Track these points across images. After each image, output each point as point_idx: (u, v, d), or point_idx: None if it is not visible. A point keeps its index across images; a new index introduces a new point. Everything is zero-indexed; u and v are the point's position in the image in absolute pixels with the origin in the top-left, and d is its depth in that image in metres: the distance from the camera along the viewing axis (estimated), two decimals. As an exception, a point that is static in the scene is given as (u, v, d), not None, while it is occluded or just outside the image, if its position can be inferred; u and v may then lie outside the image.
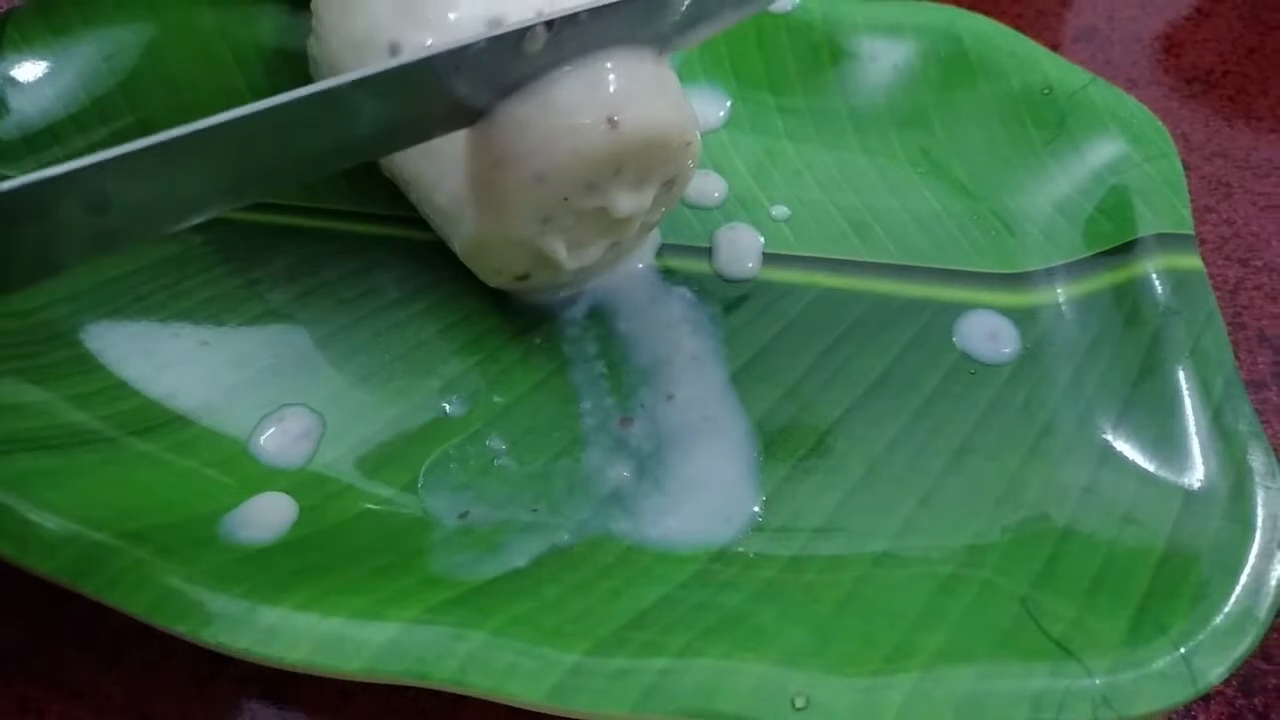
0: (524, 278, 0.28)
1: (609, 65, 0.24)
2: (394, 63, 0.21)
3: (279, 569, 0.23)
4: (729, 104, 0.34)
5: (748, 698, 0.21)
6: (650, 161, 0.26)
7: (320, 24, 0.28)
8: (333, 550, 0.24)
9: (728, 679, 0.22)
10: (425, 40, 0.25)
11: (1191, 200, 0.31)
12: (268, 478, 0.25)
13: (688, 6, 0.25)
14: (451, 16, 0.25)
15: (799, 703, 0.21)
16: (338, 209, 0.32)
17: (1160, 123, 0.32)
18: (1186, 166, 0.32)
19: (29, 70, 0.30)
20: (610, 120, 0.24)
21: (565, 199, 0.25)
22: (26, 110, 0.30)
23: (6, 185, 0.18)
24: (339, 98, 0.21)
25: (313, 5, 0.28)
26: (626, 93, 0.24)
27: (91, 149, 0.31)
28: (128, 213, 0.20)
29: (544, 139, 0.24)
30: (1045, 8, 0.42)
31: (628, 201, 0.26)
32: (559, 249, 0.27)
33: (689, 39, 0.27)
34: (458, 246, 0.28)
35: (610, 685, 0.21)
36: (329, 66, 0.27)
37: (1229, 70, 0.40)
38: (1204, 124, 0.37)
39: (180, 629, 0.22)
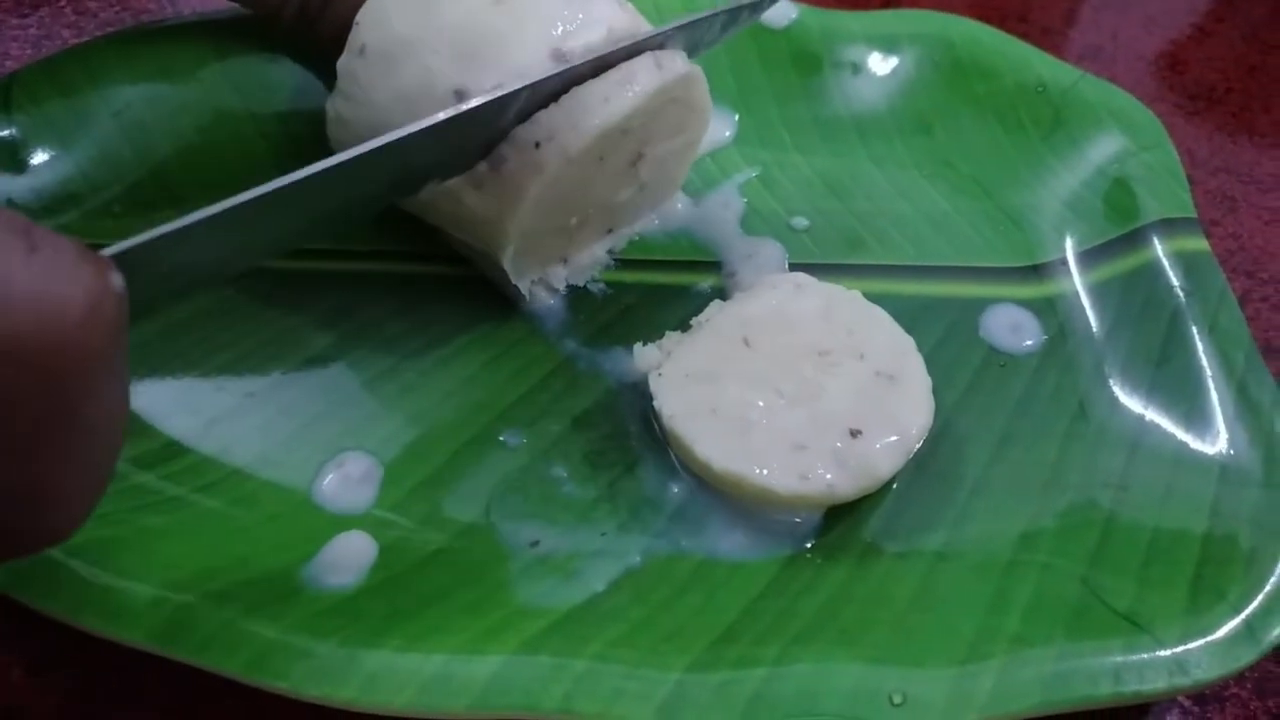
0: (565, 261, 0.31)
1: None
2: (464, 106, 0.23)
3: (370, 614, 0.23)
4: (735, 118, 0.35)
5: (848, 698, 0.22)
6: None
7: (354, 83, 0.27)
8: (417, 590, 0.24)
9: (826, 682, 0.22)
10: (491, 82, 0.25)
11: (1197, 214, 0.32)
12: (336, 524, 0.25)
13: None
14: (515, 57, 0.26)
15: (896, 699, 0.22)
16: (362, 250, 0.32)
17: (1150, 112, 0.34)
18: (1192, 181, 0.32)
19: (40, 131, 0.30)
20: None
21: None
22: (41, 172, 0.30)
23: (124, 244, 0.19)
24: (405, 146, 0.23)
25: (340, 66, 0.28)
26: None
27: (107, 206, 0.31)
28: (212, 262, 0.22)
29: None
30: (1050, 26, 0.43)
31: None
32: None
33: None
34: (502, 249, 0.28)
35: (716, 698, 0.22)
36: (366, 124, 0.27)
37: (1231, 88, 0.41)
38: (1208, 139, 0.38)
39: (282, 686, 0.21)
